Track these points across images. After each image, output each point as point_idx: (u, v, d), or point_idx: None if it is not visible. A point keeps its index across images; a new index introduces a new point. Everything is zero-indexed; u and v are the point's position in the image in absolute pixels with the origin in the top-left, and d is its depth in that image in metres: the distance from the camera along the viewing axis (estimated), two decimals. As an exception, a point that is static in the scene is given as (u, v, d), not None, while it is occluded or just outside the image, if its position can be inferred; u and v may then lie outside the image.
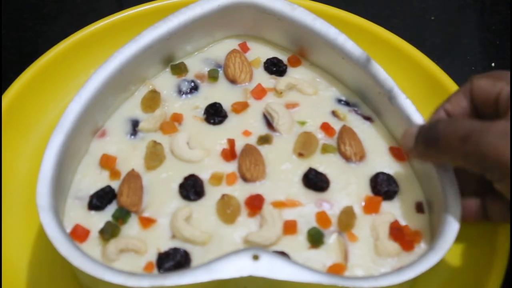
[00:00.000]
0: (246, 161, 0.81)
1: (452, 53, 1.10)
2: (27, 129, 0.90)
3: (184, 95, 0.88)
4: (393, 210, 0.79)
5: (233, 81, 0.89)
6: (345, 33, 0.85)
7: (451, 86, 0.91)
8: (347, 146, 0.83)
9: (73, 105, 0.78)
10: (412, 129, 0.75)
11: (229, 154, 0.82)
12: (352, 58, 0.84)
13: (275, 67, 0.90)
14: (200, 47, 0.92)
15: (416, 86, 0.91)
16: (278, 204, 0.78)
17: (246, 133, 0.84)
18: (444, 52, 1.10)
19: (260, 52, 0.92)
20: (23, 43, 1.09)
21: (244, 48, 0.93)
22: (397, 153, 0.83)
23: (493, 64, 1.08)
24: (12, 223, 0.82)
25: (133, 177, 0.80)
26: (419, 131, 0.74)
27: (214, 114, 0.85)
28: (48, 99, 0.92)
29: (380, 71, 0.82)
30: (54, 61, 0.93)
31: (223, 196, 0.79)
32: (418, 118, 0.79)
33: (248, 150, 0.82)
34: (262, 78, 0.90)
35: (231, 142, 0.83)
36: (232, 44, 0.93)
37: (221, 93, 0.88)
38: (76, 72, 0.94)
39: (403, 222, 0.78)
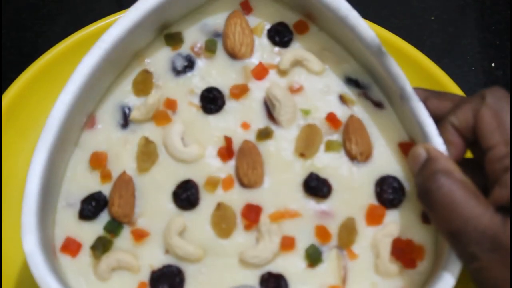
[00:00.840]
0: (244, 163, 0.76)
1: (452, 53, 1.07)
2: (27, 129, 0.88)
3: (178, 75, 0.80)
4: (398, 219, 0.75)
5: (232, 54, 0.81)
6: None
7: (452, 86, 0.88)
8: (352, 144, 0.77)
9: (55, 111, 0.73)
10: (419, 152, 0.69)
11: (225, 153, 0.77)
12: (363, 43, 0.75)
13: (279, 37, 0.81)
14: (196, 4, 0.82)
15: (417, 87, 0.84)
16: (276, 216, 0.75)
17: (245, 126, 0.78)
18: (444, 52, 1.07)
19: (264, 14, 0.82)
20: (23, 43, 1.07)
21: (246, 7, 0.82)
22: (406, 149, 0.77)
23: (493, 64, 1.06)
24: (12, 223, 0.81)
25: (124, 183, 0.76)
26: (421, 167, 0.68)
27: (211, 102, 0.79)
28: (48, 99, 0.87)
29: (392, 65, 0.73)
30: (54, 61, 0.90)
31: (219, 205, 0.75)
32: (430, 124, 0.71)
33: (246, 149, 0.77)
34: (265, 50, 0.81)
35: (228, 141, 0.77)
36: (233, 2, 0.83)
37: (219, 71, 0.80)
38: (76, 72, 0.89)
39: (407, 235, 0.74)
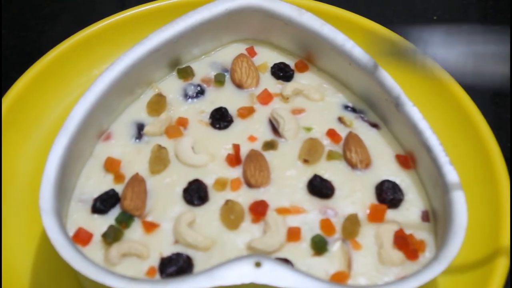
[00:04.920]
0: (251, 166, 0.80)
1: None
2: (28, 129, 0.90)
3: (190, 99, 0.87)
4: (398, 219, 0.79)
5: (239, 85, 0.89)
6: (348, 34, 0.85)
7: (454, 85, 0.91)
8: (352, 153, 0.82)
9: (78, 108, 0.78)
10: None
11: (233, 159, 0.82)
12: (360, 64, 0.83)
13: (282, 72, 0.90)
14: (207, 51, 0.92)
15: (419, 86, 0.91)
16: (282, 211, 0.78)
17: (252, 139, 0.84)
18: None
19: (267, 57, 0.92)
20: (25, 43, 1.09)
21: (251, 52, 0.92)
22: (403, 161, 0.83)
23: None
24: (13, 225, 0.82)
25: (137, 181, 0.80)
26: None
27: (220, 119, 0.85)
28: (50, 99, 0.92)
29: (387, 77, 0.81)
30: (56, 61, 0.93)
31: (227, 201, 0.78)
32: (425, 125, 0.78)
33: (253, 155, 0.82)
34: (269, 83, 0.89)
35: (236, 148, 0.82)
36: (239, 48, 0.92)
37: (227, 97, 0.88)
38: (78, 72, 0.94)
39: (408, 231, 0.78)
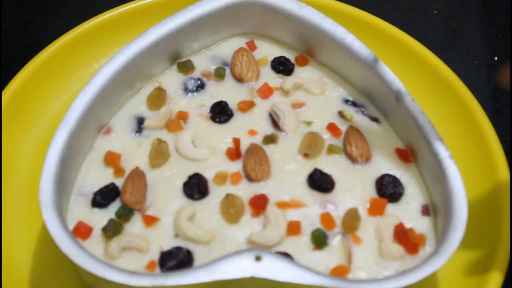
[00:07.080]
0: (251, 160, 0.80)
1: (455, 47, 1.10)
2: (28, 123, 0.90)
3: (190, 93, 0.87)
4: (398, 213, 0.79)
5: (239, 79, 0.89)
6: (348, 28, 0.85)
7: (455, 80, 0.91)
8: (353, 147, 0.82)
9: (78, 101, 0.78)
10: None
11: (234, 153, 0.82)
12: (360, 58, 0.83)
13: (282, 66, 0.90)
14: (207, 44, 0.92)
15: (420, 81, 0.92)
16: (282, 205, 0.78)
17: (252, 132, 0.84)
18: (447, 46, 1.09)
19: (268, 51, 0.92)
20: (25, 37, 1.09)
21: (251, 46, 0.92)
22: (403, 155, 0.83)
23: (496, 58, 1.07)
24: (13, 218, 0.82)
25: (137, 175, 0.80)
26: None
27: (220, 112, 0.85)
28: (49, 93, 0.92)
29: (387, 71, 0.81)
30: (56, 55, 0.93)
31: (227, 195, 0.78)
32: (425, 120, 0.78)
33: (253, 149, 0.82)
34: (269, 77, 0.89)
35: (236, 141, 0.82)
36: (240, 42, 0.92)
37: (228, 91, 0.88)
38: (78, 66, 0.94)
39: (408, 225, 0.78)
